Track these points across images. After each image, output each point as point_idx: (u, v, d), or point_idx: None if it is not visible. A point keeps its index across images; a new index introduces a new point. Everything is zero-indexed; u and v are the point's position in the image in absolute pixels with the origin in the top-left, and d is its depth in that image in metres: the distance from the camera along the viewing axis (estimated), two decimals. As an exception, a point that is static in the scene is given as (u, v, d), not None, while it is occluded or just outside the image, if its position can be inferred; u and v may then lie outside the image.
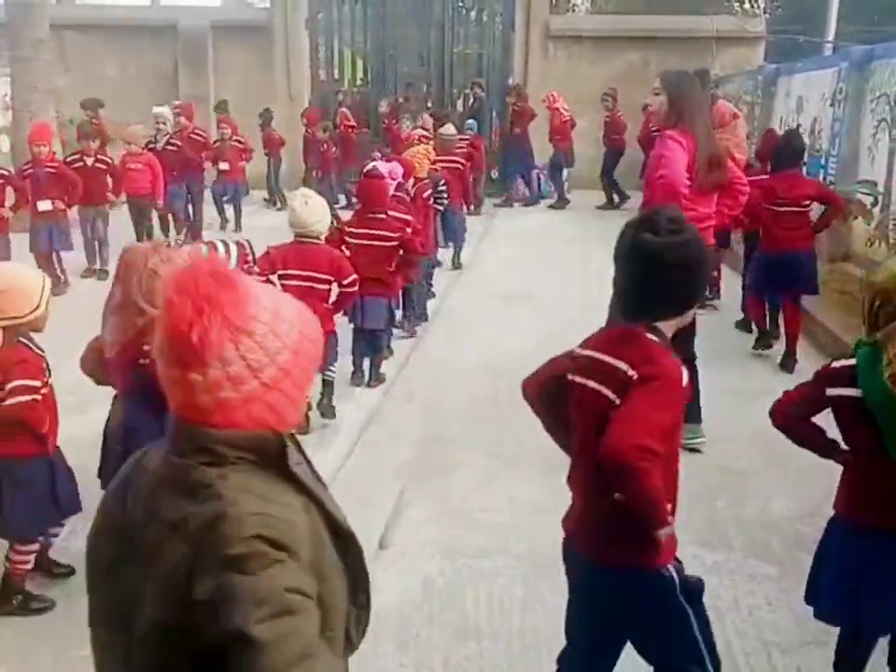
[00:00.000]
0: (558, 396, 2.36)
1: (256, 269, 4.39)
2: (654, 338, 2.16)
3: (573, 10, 28.24)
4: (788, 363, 6.14)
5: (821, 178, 8.39)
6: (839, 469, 2.83)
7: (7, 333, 3.11)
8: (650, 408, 2.04)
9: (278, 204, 12.86)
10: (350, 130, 13.64)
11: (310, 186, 13.15)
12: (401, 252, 5.65)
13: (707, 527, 3.98)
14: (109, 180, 9.04)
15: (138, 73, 15.21)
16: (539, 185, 14.30)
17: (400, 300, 6.66)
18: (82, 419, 4.89)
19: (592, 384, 2.21)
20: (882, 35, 14.20)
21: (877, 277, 2.59)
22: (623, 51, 14.53)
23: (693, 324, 3.14)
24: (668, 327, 2.21)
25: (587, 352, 2.28)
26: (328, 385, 5.21)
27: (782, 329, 6.41)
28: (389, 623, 3.31)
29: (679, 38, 14.65)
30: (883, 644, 2.77)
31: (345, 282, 4.94)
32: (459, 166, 8.98)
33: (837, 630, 3.08)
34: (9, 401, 3.13)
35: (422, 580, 3.59)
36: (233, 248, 3.99)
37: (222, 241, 4.12)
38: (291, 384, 1.39)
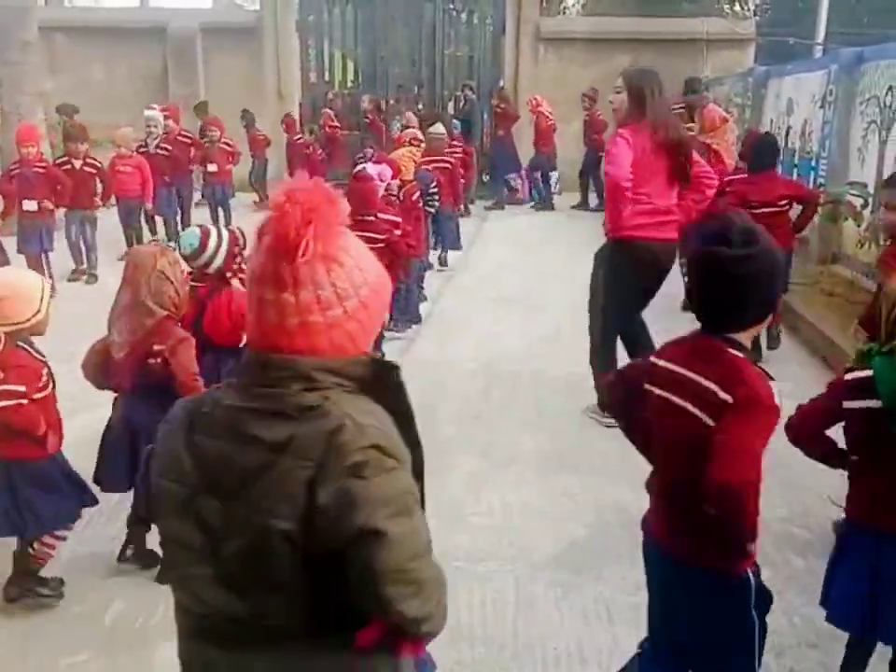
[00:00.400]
0: (633, 402, 2.39)
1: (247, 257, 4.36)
2: (738, 353, 2.16)
3: (564, 13, 28.28)
4: (771, 344, 6.29)
5: (812, 180, 8.42)
6: (830, 472, 2.82)
7: (8, 338, 3.13)
8: (754, 437, 2.07)
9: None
10: (334, 131, 13.61)
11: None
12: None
13: (700, 529, 3.98)
14: (99, 185, 8.95)
15: (127, 75, 15.18)
16: (531, 188, 14.32)
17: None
18: (70, 424, 4.88)
19: (677, 400, 2.21)
20: (872, 37, 14.26)
21: None
22: (614, 54, 14.54)
23: None
24: (746, 337, 2.22)
25: (667, 364, 2.28)
26: None
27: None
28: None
29: (669, 41, 14.69)
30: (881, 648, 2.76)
31: None
32: (449, 166, 8.96)
33: (830, 632, 3.09)
34: (40, 395, 3.19)
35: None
36: (225, 234, 4.00)
37: (215, 227, 4.13)
38: (367, 316, 1.51)
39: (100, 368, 3.46)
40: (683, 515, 2.24)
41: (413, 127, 9.38)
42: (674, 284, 5.25)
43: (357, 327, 1.50)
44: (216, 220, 11.41)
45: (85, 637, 3.23)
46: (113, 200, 9.56)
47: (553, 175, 13.86)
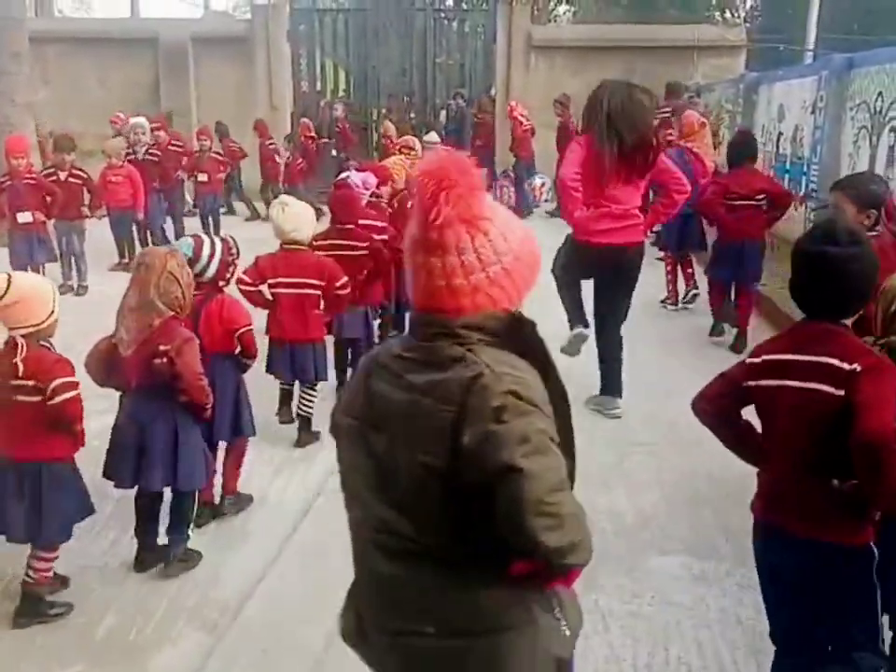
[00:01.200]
0: (735, 406, 2.59)
1: (241, 271, 4.40)
2: (850, 333, 2.42)
3: (555, 21, 28.38)
4: (736, 343, 6.67)
5: (803, 185, 8.45)
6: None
7: (28, 340, 3.21)
8: (889, 393, 2.25)
9: (247, 213, 12.99)
10: (310, 141, 13.59)
11: (268, 197, 13.25)
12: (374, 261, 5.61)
13: (695, 536, 3.97)
14: (86, 195, 8.86)
15: (119, 85, 15.14)
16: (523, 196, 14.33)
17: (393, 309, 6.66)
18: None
19: (797, 383, 2.39)
20: (862, 43, 14.33)
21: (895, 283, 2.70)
22: (605, 61, 14.56)
23: None
24: (848, 323, 2.47)
25: (775, 357, 2.48)
26: (304, 421, 5.13)
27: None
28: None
29: (660, 48, 14.74)
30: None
31: (337, 284, 4.92)
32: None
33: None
34: (56, 399, 3.21)
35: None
36: (218, 243, 4.03)
37: (208, 235, 4.17)
38: (510, 282, 1.66)
39: (104, 365, 3.53)
40: (813, 491, 2.39)
41: (391, 136, 9.38)
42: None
43: (500, 291, 1.65)
44: (206, 229, 11.41)
45: (79, 649, 3.21)
46: (104, 210, 9.55)
47: (542, 180, 13.85)
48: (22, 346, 3.17)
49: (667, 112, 10.10)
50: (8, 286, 3.18)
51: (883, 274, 2.59)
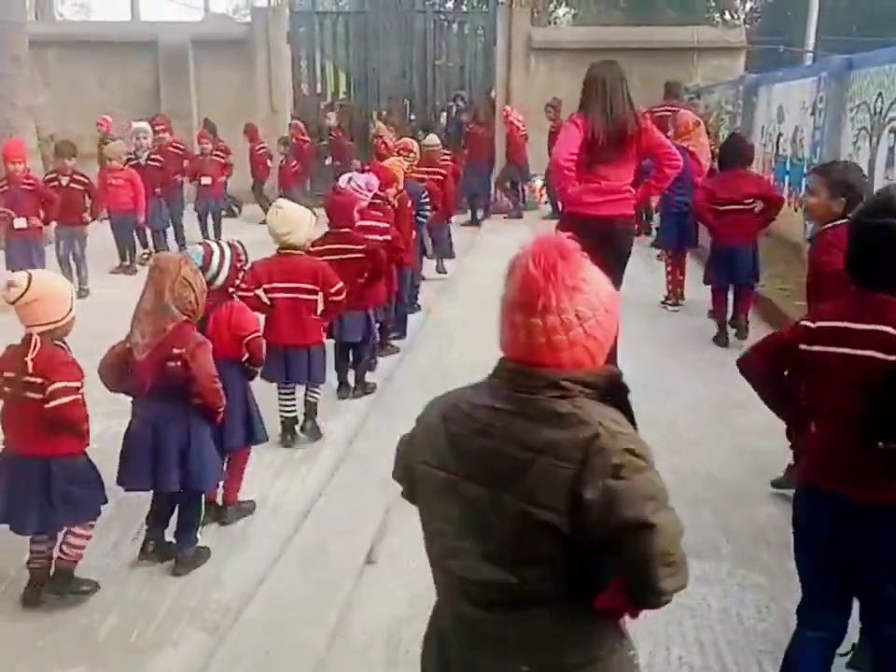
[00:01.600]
0: (785, 366, 2.72)
1: (248, 271, 4.43)
2: None
3: (555, 23, 28.40)
4: (739, 334, 6.84)
5: (803, 187, 8.45)
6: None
7: (44, 338, 3.27)
8: None
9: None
10: (302, 143, 13.59)
11: (260, 199, 13.28)
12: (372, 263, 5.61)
13: (695, 536, 3.95)
14: (88, 200, 8.81)
15: (119, 88, 15.16)
16: (524, 198, 14.35)
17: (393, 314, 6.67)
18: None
19: (850, 350, 2.48)
20: (861, 44, 14.34)
21: None
22: (605, 63, 14.58)
23: None
24: None
25: (830, 323, 2.56)
26: (311, 407, 5.16)
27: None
28: (378, 640, 3.28)
29: (660, 49, 14.74)
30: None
31: (332, 290, 4.92)
32: (442, 177, 8.95)
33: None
34: (53, 403, 3.24)
35: (410, 595, 3.56)
36: (227, 250, 4.05)
37: (216, 242, 4.17)
38: (603, 334, 1.74)
39: (117, 370, 3.58)
40: (862, 454, 2.46)
41: (383, 136, 9.37)
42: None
43: (595, 343, 1.73)
44: (205, 232, 11.42)
45: (80, 650, 3.21)
46: (105, 213, 9.56)
47: (542, 182, 13.87)
48: (36, 344, 3.23)
49: (667, 111, 10.13)
50: (29, 283, 3.24)
51: (827, 265, 2.68)
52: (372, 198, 6.13)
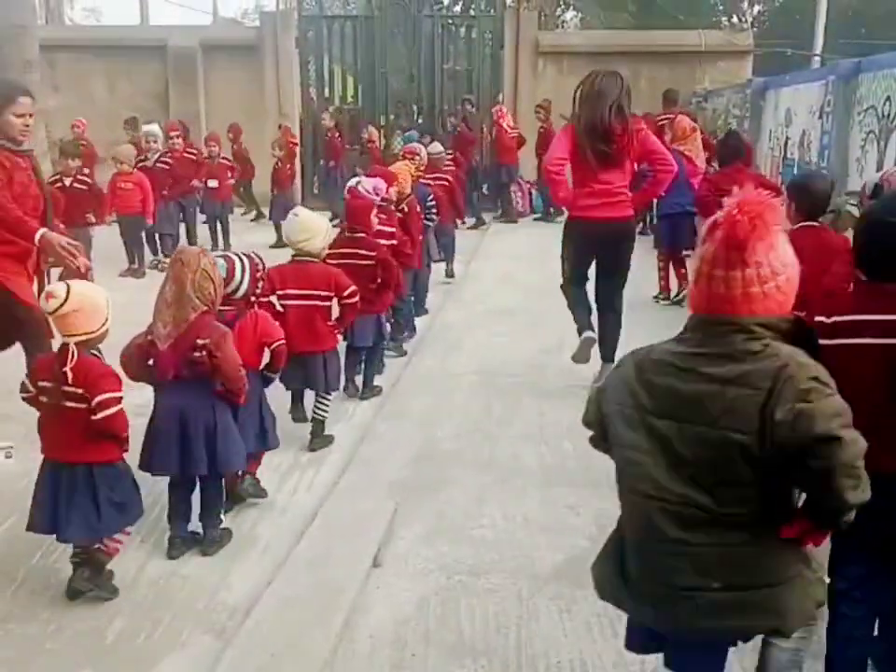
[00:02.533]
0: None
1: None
2: None
3: (562, 27, 28.43)
4: None
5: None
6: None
7: (80, 349, 3.30)
8: None
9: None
10: (295, 146, 13.62)
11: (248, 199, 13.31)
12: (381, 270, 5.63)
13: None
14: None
15: (129, 92, 15.23)
16: (531, 200, 14.38)
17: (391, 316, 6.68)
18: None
19: (871, 340, 2.56)
20: (869, 47, 14.31)
21: None
22: (613, 66, 14.41)
23: None
24: None
25: (845, 318, 2.63)
26: (318, 425, 5.14)
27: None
28: (384, 643, 3.28)
29: (667, 53, 14.75)
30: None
31: (345, 294, 4.95)
32: (446, 182, 8.96)
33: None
34: (99, 415, 3.29)
35: (417, 598, 3.57)
36: (246, 261, 4.14)
37: (236, 254, 4.23)
38: (789, 289, 2.02)
39: (137, 360, 3.68)
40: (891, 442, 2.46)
41: (374, 142, 9.37)
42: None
43: (784, 298, 2.01)
44: (214, 235, 11.45)
45: (87, 653, 3.22)
46: (114, 216, 9.60)
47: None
48: (73, 354, 3.26)
49: (666, 118, 10.39)
50: (68, 294, 3.26)
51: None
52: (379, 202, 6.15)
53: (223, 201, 11.57)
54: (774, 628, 2.08)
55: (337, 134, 14.35)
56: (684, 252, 8.16)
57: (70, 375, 3.25)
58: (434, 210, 7.65)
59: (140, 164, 10.05)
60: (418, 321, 7.56)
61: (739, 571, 1.99)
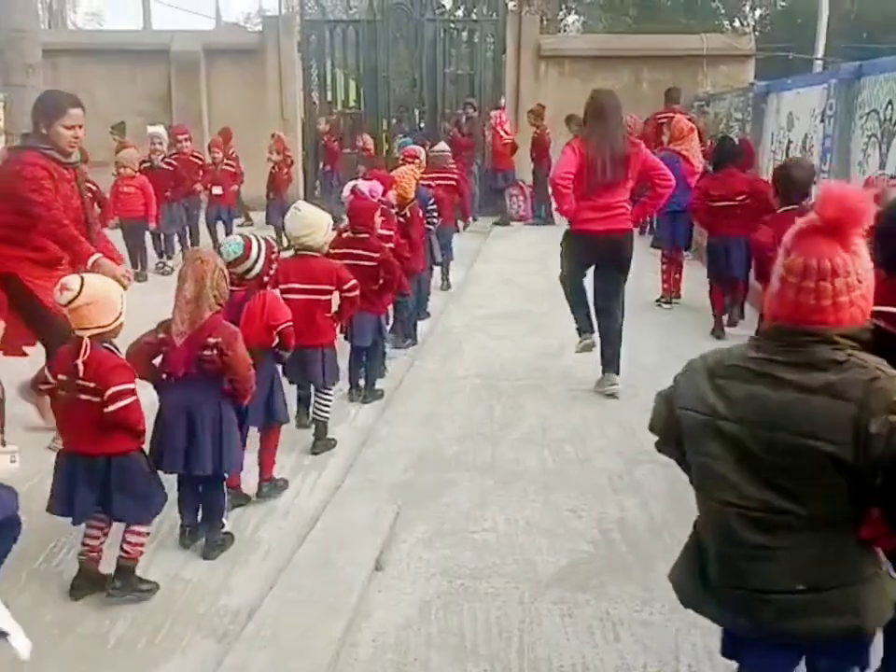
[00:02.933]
0: None
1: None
2: None
3: (564, 31, 28.45)
4: (730, 322, 7.55)
5: (812, 195, 8.43)
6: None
7: (93, 341, 3.34)
8: None
9: None
10: (287, 156, 13.57)
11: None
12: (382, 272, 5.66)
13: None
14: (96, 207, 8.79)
15: (131, 97, 15.24)
16: (534, 204, 14.40)
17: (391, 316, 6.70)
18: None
19: None
20: (871, 51, 14.31)
21: None
22: (615, 70, 14.62)
23: None
24: None
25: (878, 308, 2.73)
26: (320, 427, 5.16)
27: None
28: (387, 646, 3.28)
29: (669, 57, 14.77)
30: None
31: (346, 287, 5.00)
32: (453, 182, 8.96)
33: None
34: (111, 407, 3.31)
35: (419, 602, 3.56)
36: (262, 243, 4.22)
37: (254, 235, 4.28)
38: (870, 296, 2.04)
39: (145, 357, 3.72)
40: None
41: (369, 149, 9.38)
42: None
43: (866, 304, 2.02)
44: (215, 239, 11.44)
45: (89, 658, 3.22)
46: (117, 220, 9.62)
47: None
48: (86, 347, 3.30)
49: (666, 117, 10.67)
50: (81, 288, 3.30)
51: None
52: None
53: (228, 206, 11.58)
54: (854, 627, 2.08)
55: (333, 139, 14.37)
56: (685, 254, 8.45)
57: (82, 368, 3.28)
58: (435, 213, 7.65)
59: (144, 167, 10.06)
60: (420, 324, 7.56)
61: (820, 572, 2.03)
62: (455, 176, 9.08)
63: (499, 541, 4.05)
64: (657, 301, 8.56)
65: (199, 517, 3.98)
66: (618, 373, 5.97)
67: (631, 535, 4.12)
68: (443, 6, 17.71)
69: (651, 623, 3.41)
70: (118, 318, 3.41)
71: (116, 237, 9.69)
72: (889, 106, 6.99)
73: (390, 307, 6.57)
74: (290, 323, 4.25)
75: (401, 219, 6.67)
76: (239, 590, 3.65)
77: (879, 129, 7.13)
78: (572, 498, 4.47)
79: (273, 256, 4.27)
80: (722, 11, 26.62)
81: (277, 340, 4.23)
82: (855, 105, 7.69)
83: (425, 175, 8.04)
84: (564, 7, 28.72)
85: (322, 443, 5.11)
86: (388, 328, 6.63)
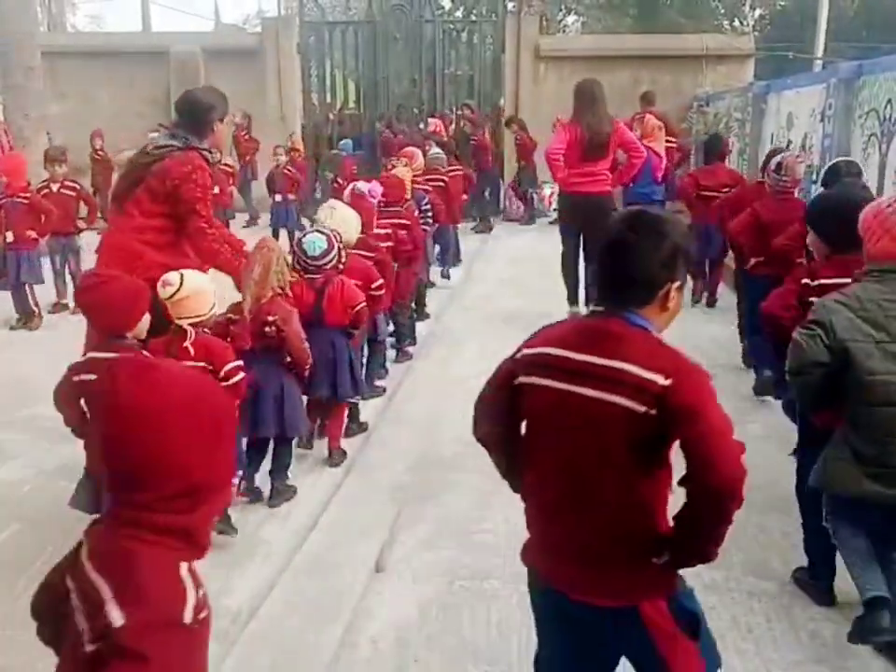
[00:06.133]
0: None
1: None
2: None
3: (563, 31, 28.44)
4: (709, 300, 8.55)
5: (812, 194, 8.43)
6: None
7: (196, 328, 3.71)
8: None
9: None
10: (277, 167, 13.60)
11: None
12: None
13: (706, 545, 3.95)
14: (83, 207, 8.67)
15: (130, 99, 15.24)
16: (534, 204, 14.42)
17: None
18: (71, 447, 4.88)
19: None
20: (870, 50, 14.31)
21: None
22: (614, 71, 14.57)
23: None
24: None
25: (830, 280, 3.48)
26: (353, 409, 5.34)
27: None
28: (387, 647, 3.28)
29: (668, 57, 14.75)
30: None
31: (373, 286, 5.20)
32: (443, 184, 8.92)
33: (837, 649, 3.07)
34: (231, 381, 3.70)
35: (419, 603, 3.56)
36: (336, 236, 4.76)
37: (328, 229, 4.82)
38: None
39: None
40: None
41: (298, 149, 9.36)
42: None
43: None
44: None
45: (89, 661, 3.21)
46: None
47: (550, 190, 14.08)
48: (191, 333, 3.67)
49: (639, 116, 11.22)
50: (181, 283, 3.65)
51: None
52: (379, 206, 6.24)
53: (224, 207, 11.58)
54: None
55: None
56: None
57: (192, 350, 3.63)
58: (430, 214, 7.65)
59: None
60: (420, 325, 7.56)
61: None
62: (446, 179, 9.03)
63: (499, 542, 4.04)
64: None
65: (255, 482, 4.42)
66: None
67: (631, 535, 4.11)
68: (442, 6, 17.71)
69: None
70: (212, 309, 3.80)
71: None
72: (889, 105, 6.99)
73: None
74: (364, 303, 4.78)
75: (396, 220, 6.67)
76: (240, 591, 3.65)
77: (879, 128, 7.13)
78: (572, 499, 4.46)
79: (342, 246, 4.79)
80: (722, 11, 26.59)
81: (353, 318, 4.76)
82: (855, 105, 7.69)
83: (419, 178, 7.99)
84: (563, 7, 28.70)
85: (355, 426, 5.33)
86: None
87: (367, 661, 3.22)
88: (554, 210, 13.99)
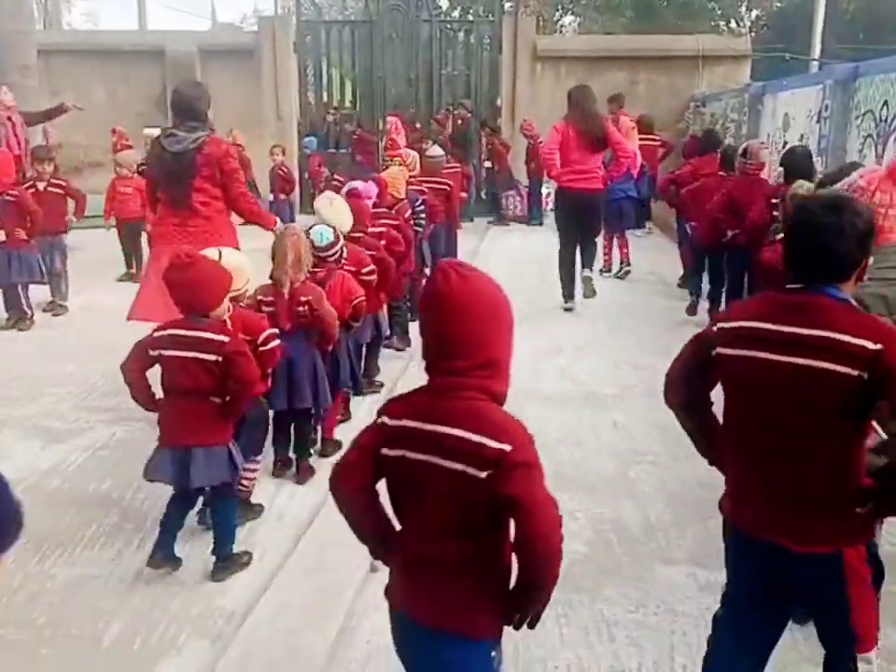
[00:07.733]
0: None
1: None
2: None
3: (560, 31, 28.45)
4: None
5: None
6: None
7: (233, 302, 3.90)
8: None
9: None
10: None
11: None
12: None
13: (700, 546, 3.96)
14: (71, 204, 8.51)
15: (127, 97, 15.23)
16: (531, 205, 14.44)
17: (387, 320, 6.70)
18: (64, 446, 4.86)
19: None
20: (866, 52, 14.32)
21: None
22: (611, 71, 14.61)
23: None
24: None
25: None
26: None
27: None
28: (381, 648, 3.26)
29: (665, 58, 14.76)
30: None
31: (364, 270, 5.30)
32: (446, 187, 8.87)
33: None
34: (269, 346, 3.96)
35: (414, 603, 3.55)
36: (340, 232, 4.99)
37: (331, 225, 4.99)
38: None
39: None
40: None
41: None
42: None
43: None
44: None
45: (83, 659, 3.21)
46: (113, 221, 9.60)
47: (547, 190, 14.13)
48: (229, 307, 3.81)
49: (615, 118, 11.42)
50: (220, 258, 3.82)
51: None
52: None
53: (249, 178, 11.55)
54: None
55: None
56: (629, 231, 10.28)
57: (230, 322, 3.78)
58: (423, 216, 7.57)
59: (141, 168, 10.02)
60: (414, 326, 7.53)
61: None
62: (450, 183, 8.94)
63: (495, 542, 4.04)
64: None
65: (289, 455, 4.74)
66: (592, 269, 8.36)
67: (626, 536, 4.11)
68: (439, 6, 17.70)
69: (646, 624, 3.40)
70: (247, 283, 4.03)
71: (112, 237, 9.73)
72: (885, 107, 7.00)
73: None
74: (363, 297, 4.97)
75: (389, 220, 6.65)
76: (234, 591, 3.64)
77: (875, 129, 7.15)
78: (567, 500, 4.45)
79: (344, 240, 5.00)
80: (719, 12, 26.58)
81: (352, 311, 4.94)
82: (851, 106, 7.71)
83: (415, 180, 7.88)
84: (560, 7, 28.70)
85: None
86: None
87: (362, 661, 3.21)
88: (552, 210, 14.08)
